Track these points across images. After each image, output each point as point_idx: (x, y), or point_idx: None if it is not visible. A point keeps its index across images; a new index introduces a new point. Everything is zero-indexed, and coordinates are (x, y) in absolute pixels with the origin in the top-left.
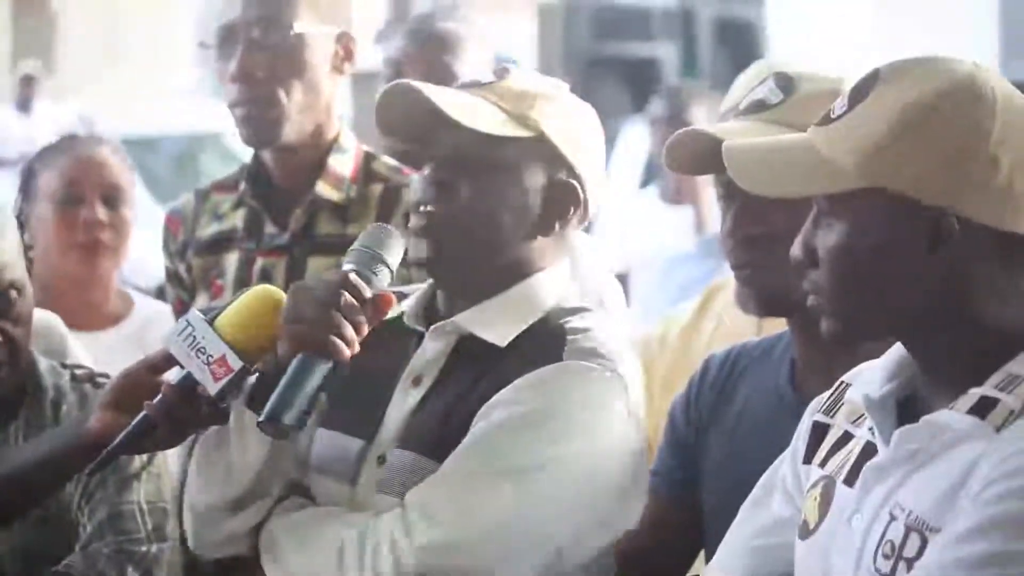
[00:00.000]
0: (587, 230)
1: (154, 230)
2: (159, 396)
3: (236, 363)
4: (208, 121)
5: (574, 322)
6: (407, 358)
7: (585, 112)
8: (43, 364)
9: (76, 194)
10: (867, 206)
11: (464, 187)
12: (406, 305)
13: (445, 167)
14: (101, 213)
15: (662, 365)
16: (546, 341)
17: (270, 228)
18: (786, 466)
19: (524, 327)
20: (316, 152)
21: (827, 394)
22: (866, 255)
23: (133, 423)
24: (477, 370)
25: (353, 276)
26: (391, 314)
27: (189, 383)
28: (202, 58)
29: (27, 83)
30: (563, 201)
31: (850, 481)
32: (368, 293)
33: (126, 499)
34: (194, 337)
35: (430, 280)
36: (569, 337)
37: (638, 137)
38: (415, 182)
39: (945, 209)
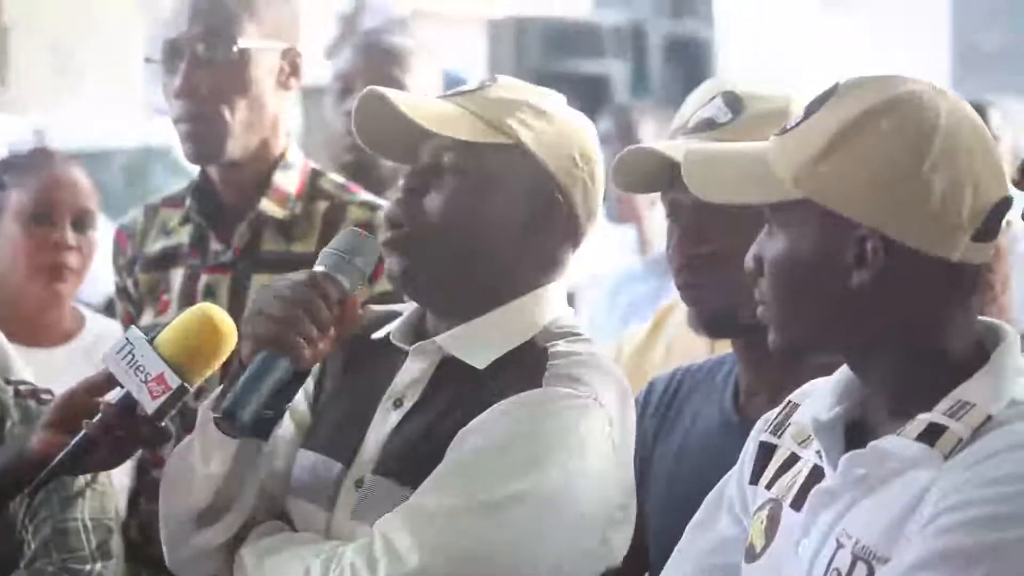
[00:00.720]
0: None
1: (103, 244)
2: (98, 415)
3: (174, 381)
4: (158, 135)
5: (560, 346)
6: (384, 376)
7: (576, 124)
8: None
9: (47, 215)
10: (801, 218)
11: (434, 197)
12: (395, 323)
13: (416, 177)
14: (71, 236)
15: None
16: (527, 365)
17: (215, 245)
18: (732, 486)
19: (507, 349)
20: (261, 168)
21: (774, 413)
22: (798, 268)
23: (73, 442)
24: (456, 393)
25: (320, 276)
26: (381, 332)
27: (128, 402)
28: (152, 72)
29: None
30: (546, 215)
31: (797, 505)
32: (333, 293)
33: (70, 516)
34: (133, 355)
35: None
36: (550, 362)
37: None
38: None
39: (871, 228)
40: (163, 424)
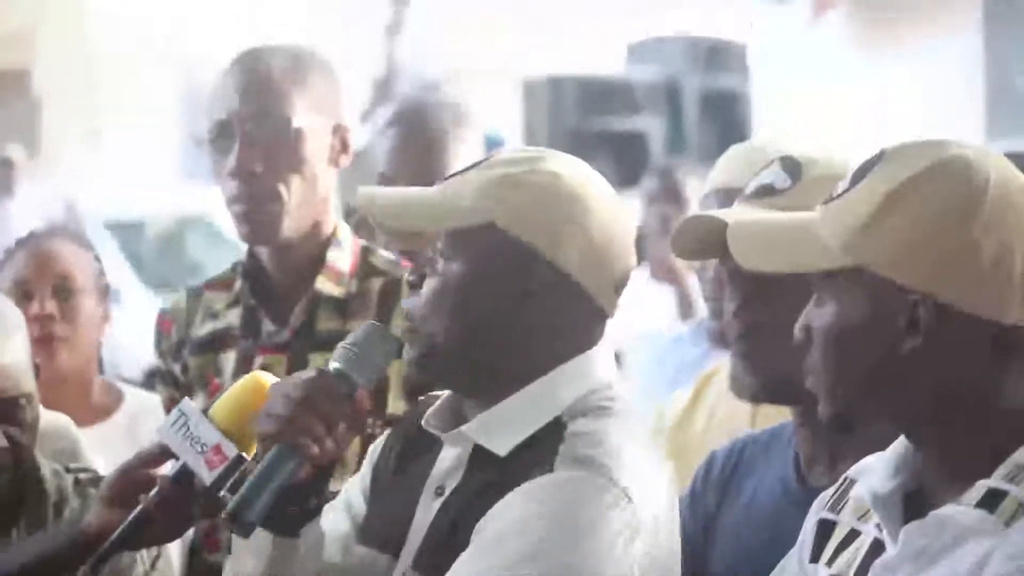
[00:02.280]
0: None
1: (141, 314)
2: (155, 489)
3: (231, 451)
4: (194, 204)
5: (580, 424)
6: (430, 464)
7: (564, 182)
8: (46, 468)
9: (26, 291)
10: (851, 286)
11: (428, 286)
12: (431, 409)
13: (416, 271)
14: (50, 306)
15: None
16: (542, 448)
17: (268, 326)
18: (793, 565)
19: (529, 432)
20: (314, 247)
21: (832, 490)
22: (849, 336)
23: (130, 518)
24: (484, 480)
25: (329, 374)
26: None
27: (185, 474)
28: (187, 142)
29: (6, 167)
30: (537, 285)
31: None
32: (343, 391)
33: None
34: (188, 427)
35: None
36: (562, 445)
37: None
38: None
39: (923, 293)
40: (221, 495)
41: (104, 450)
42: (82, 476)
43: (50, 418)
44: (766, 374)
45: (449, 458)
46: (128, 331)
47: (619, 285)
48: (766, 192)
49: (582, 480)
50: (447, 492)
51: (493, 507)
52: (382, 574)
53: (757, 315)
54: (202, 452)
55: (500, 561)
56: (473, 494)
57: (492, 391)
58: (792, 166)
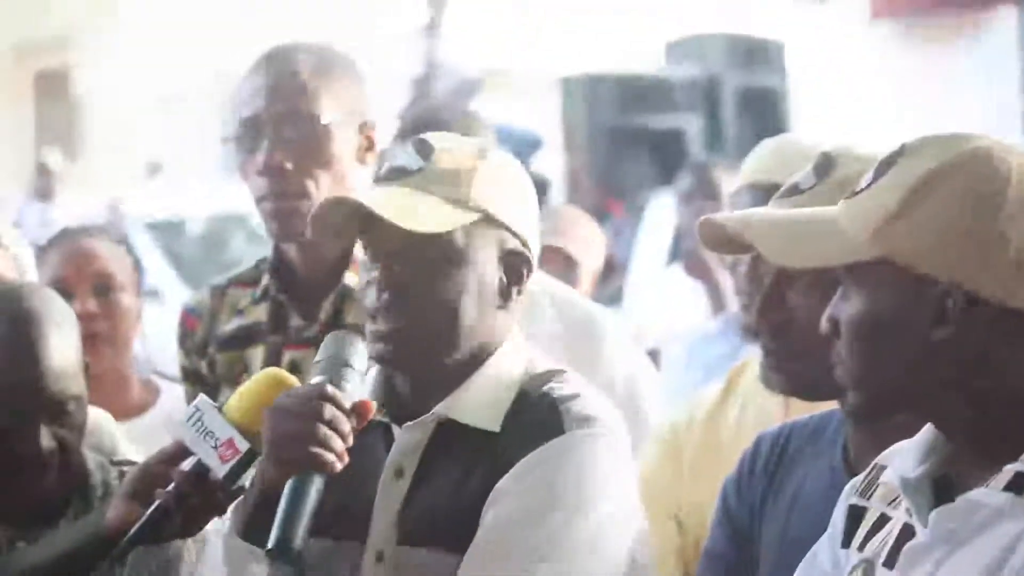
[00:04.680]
0: (616, 305)
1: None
2: (171, 484)
3: (243, 445)
4: (234, 202)
5: (558, 389)
6: (371, 450)
7: (511, 168)
8: (92, 461)
9: (65, 290)
10: (878, 278)
11: (422, 287)
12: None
13: (396, 268)
14: (92, 304)
15: (690, 450)
16: (540, 415)
17: (296, 321)
18: (824, 551)
19: (508, 406)
20: (341, 242)
21: (862, 476)
22: (877, 327)
23: (147, 512)
24: (469, 455)
25: (330, 387)
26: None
27: (200, 468)
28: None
29: (45, 172)
30: (517, 269)
31: (890, 563)
32: (347, 402)
33: None
34: (202, 422)
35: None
36: (562, 407)
37: (666, 210)
38: (362, 279)
39: (951, 283)
40: (236, 488)
41: (141, 445)
42: (126, 469)
43: (90, 414)
44: (794, 371)
45: (409, 440)
46: (169, 330)
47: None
48: (792, 191)
49: (594, 437)
50: (407, 473)
51: (507, 477)
52: (346, 559)
53: (782, 313)
54: (215, 446)
55: (545, 525)
56: (462, 470)
57: (456, 376)
58: (823, 163)
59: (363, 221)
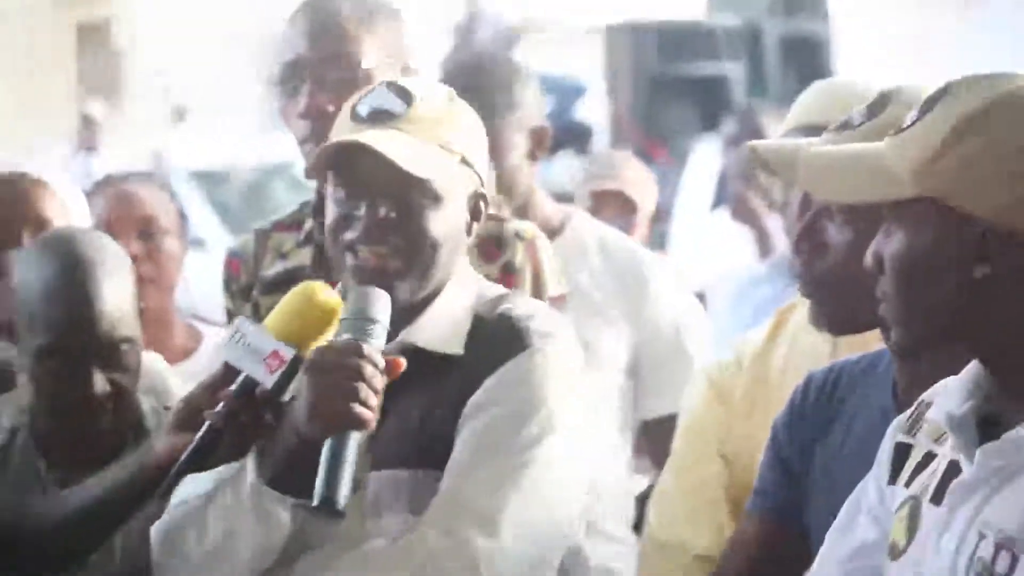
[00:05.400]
0: (659, 251)
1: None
2: (220, 405)
3: (288, 353)
4: (278, 152)
5: (513, 309)
6: None
7: (472, 112)
8: (146, 406)
9: (110, 234)
10: (920, 215)
11: (410, 225)
12: None
13: (385, 206)
14: (136, 248)
15: (738, 390)
16: (502, 335)
17: None
18: (871, 488)
19: (467, 329)
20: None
21: (907, 414)
22: (919, 263)
23: (197, 436)
24: (435, 379)
25: (366, 346)
26: None
27: (247, 386)
28: (270, 91)
29: (88, 124)
30: (478, 208)
31: (936, 500)
32: (382, 360)
33: None
34: (246, 338)
35: None
36: (522, 325)
37: (710, 156)
38: (337, 215)
39: (992, 222)
40: (284, 401)
41: (186, 389)
42: None
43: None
44: (825, 300)
45: None
46: (213, 279)
47: None
48: (844, 127)
49: (558, 349)
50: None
51: (478, 393)
52: None
53: (818, 244)
54: (261, 360)
55: (522, 435)
56: (429, 393)
57: (417, 306)
58: (878, 100)
59: (344, 159)
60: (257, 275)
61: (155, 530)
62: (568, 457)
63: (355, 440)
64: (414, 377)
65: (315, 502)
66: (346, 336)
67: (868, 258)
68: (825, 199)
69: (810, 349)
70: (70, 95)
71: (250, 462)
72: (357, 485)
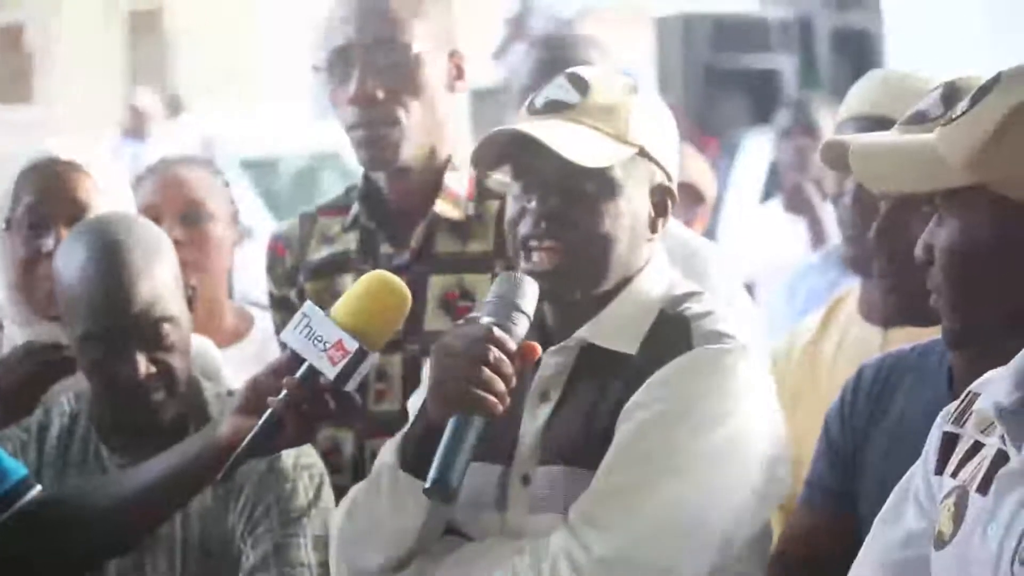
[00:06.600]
0: (712, 240)
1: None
2: (282, 392)
3: (352, 345)
4: (326, 140)
5: (693, 308)
6: (525, 377)
7: (658, 104)
8: (209, 391)
9: (154, 217)
10: (973, 204)
11: (580, 218)
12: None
13: (555, 199)
14: (177, 232)
15: (789, 380)
16: (671, 334)
17: (386, 248)
18: (918, 478)
19: (647, 328)
20: (432, 171)
21: (955, 404)
22: (971, 253)
23: (259, 423)
24: (606, 377)
25: (497, 330)
26: None
27: (311, 374)
28: (318, 78)
29: (136, 114)
30: (664, 203)
31: (983, 489)
32: (513, 345)
33: (292, 532)
34: (311, 327)
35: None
36: (693, 324)
37: (760, 148)
38: (514, 210)
39: None
40: (348, 392)
41: (236, 372)
42: None
43: (194, 341)
44: (906, 295)
45: (553, 365)
46: (261, 268)
47: None
48: (919, 119)
49: (723, 351)
50: (553, 397)
51: (635, 395)
52: (495, 482)
53: (900, 238)
54: (325, 349)
55: (673, 437)
56: (598, 391)
57: (599, 302)
58: (950, 92)
59: (518, 152)
60: (303, 259)
61: (342, 503)
62: (724, 462)
63: (477, 424)
64: (592, 373)
65: (427, 484)
66: (487, 319)
67: (918, 249)
68: (876, 189)
69: (861, 340)
70: (121, 82)
71: (391, 444)
72: (526, 479)
